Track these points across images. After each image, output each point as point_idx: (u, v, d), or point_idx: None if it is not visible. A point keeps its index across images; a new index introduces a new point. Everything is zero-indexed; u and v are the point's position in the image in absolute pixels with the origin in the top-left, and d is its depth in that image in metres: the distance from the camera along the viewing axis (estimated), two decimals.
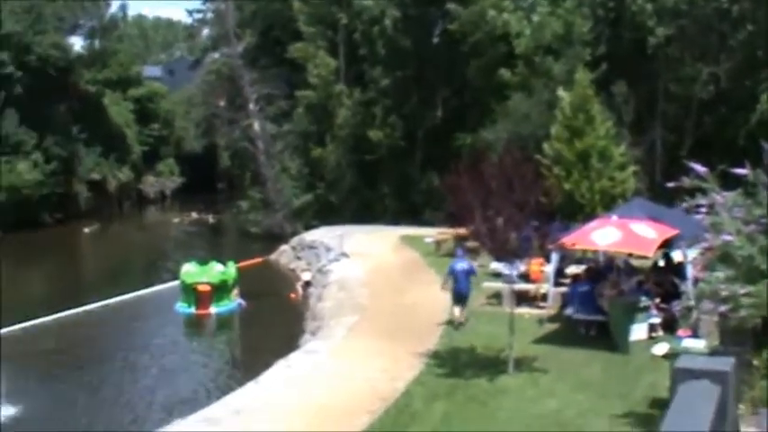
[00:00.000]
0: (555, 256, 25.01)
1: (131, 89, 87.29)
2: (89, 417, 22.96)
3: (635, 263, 26.02)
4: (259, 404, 18.44)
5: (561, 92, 39.14)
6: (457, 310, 24.72)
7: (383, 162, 53.38)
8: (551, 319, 24.51)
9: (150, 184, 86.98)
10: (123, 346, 30.88)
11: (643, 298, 22.33)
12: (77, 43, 76.86)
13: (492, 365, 19.95)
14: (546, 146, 37.78)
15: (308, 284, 36.43)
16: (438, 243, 36.87)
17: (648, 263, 26.43)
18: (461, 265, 24.99)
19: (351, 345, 23.26)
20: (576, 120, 36.95)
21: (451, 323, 24.84)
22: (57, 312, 34.06)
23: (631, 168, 38.28)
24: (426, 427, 16.40)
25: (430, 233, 39.00)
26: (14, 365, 25.20)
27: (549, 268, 25.82)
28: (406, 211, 50.43)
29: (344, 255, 37.74)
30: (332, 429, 16.40)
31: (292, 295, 36.26)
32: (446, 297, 26.29)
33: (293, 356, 22.70)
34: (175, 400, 23.52)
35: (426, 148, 52.30)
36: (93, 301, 36.10)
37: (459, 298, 24.73)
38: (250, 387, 19.99)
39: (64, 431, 21.86)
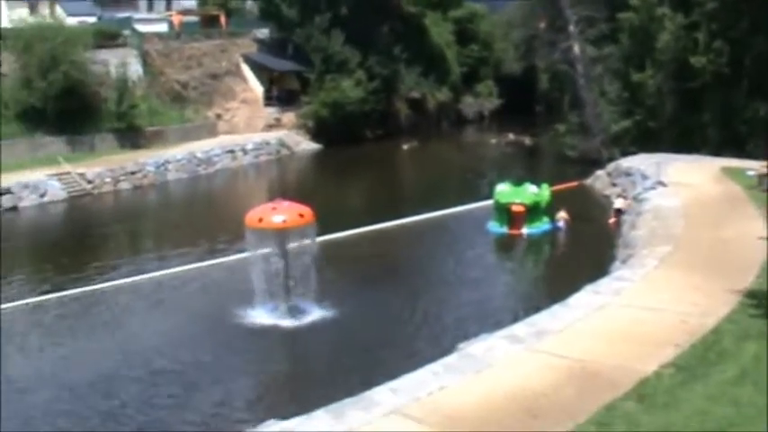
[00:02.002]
0: None
1: (452, 10, 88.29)
2: (397, 322, 24.05)
3: None
4: (563, 327, 18.47)
5: None
6: None
7: (706, 89, 50.95)
8: None
9: (468, 105, 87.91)
10: (435, 260, 31.92)
11: None
12: None
13: None
14: None
15: (619, 212, 35.86)
16: (761, 176, 35.07)
17: None
18: None
19: (662, 275, 22.71)
20: None
21: None
22: (374, 223, 35.64)
23: None
24: (735, 367, 15.78)
25: (753, 166, 37.14)
26: (333, 269, 26.59)
27: None
28: (729, 142, 48.12)
29: (661, 183, 36.71)
30: (635, 359, 16.17)
31: (611, 221, 35.76)
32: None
33: (602, 282, 22.51)
34: (481, 316, 24.07)
35: (754, 76, 49.42)
36: (409, 215, 37.44)
37: None
38: (556, 309, 20.03)
39: (375, 333, 23.07)
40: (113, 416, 18.84)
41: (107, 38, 62.60)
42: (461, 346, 18.20)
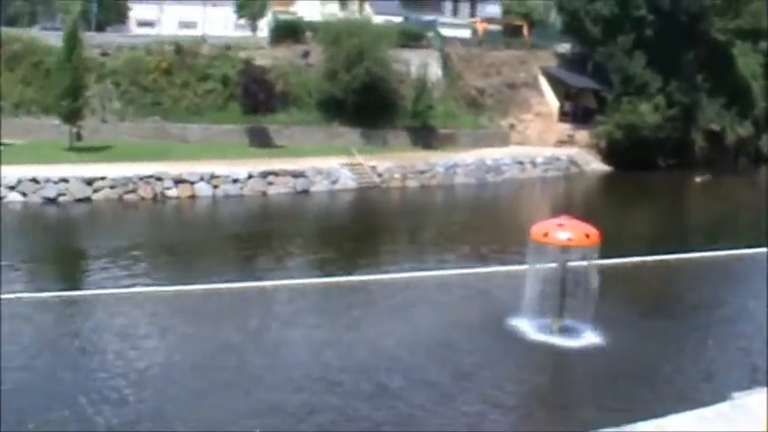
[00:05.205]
0: None
1: (762, 41, 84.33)
2: (668, 358, 23.35)
3: None
4: None
5: None
6: None
7: None
8: None
9: None
10: (715, 300, 30.77)
11: None
12: None
13: None
14: None
15: None
16: None
17: None
18: None
19: None
20: None
21: None
22: (657, 254, 34.96)
23: None
24: None
25: None
26: (610, 293, 26.14)
27: None
28: None
29: None
30: None
31: None
32: None
33: None
34: (755, 368, 22.93)
35: None
36: (694, 251, 36.30)
37: None
38: None
39: (644, 366, 22.52)
40: (355, 413, 19.02)
41: (411, 38, 64.90)
42: (735, 395, 17.51)
